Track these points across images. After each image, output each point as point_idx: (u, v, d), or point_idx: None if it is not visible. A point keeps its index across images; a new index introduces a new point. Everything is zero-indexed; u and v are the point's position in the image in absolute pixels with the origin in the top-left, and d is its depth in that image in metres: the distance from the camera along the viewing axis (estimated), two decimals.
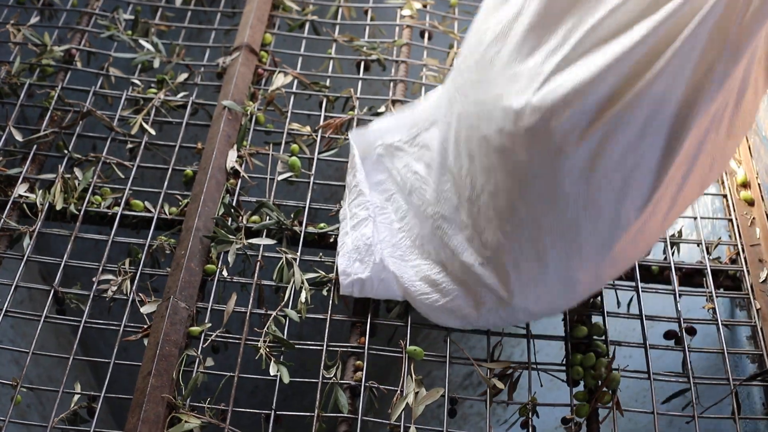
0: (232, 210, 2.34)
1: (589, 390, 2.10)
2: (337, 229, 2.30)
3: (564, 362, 2.15)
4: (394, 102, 2.62)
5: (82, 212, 2.36)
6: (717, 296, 2.29)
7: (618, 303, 2.27)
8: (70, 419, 2.05)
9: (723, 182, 2.52)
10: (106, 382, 2.06)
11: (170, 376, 2.01)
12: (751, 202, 2.45)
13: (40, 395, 3.03)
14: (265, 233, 2.32)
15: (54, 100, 2.62)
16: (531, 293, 2.01)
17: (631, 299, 2.29)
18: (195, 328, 2.12)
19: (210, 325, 2.13)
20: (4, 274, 2.28)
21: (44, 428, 2.02)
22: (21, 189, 2.40)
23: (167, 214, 2.38)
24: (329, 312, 2.17)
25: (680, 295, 2.28)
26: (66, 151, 2.50)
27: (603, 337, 2.18)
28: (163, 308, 2.11)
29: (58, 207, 2.36)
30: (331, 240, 2.32)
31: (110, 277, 2.25)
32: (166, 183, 2.43)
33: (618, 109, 1.76)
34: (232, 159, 2.43)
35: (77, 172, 2.45)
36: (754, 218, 2.41)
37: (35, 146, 2.51)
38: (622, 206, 1.86)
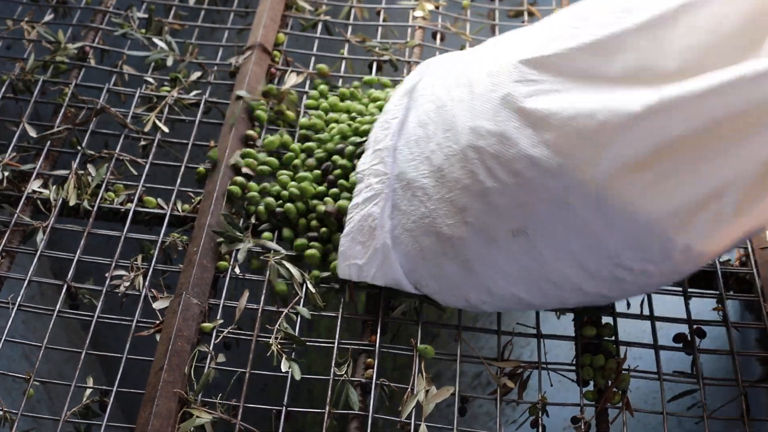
0: (243, 208, 2.34)
1: (598, 390, 2.11)
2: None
3: (574, 362, 2.16)
4: None
5: (95, 208, 2.37)
6: (727, 298, 2.29)
7: (628, 304, 2.27)
8: (82, 413, 2.06)
9: None
10: (119, 377, 2.08)
11: (182, 371, 2.02)
12: None
13: (49, 390, 3.05)
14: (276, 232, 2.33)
15: (68, 97, 2.64)
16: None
17: (642, 300, 2.29)
18: (207, 324, 2.13)
19: (222, 321, 2.14)
20: (16, 270, 2.30)
21: (56, 422, 2.03)
22: (35, 185, 2.41)
23: (180, 211, 2.39)
24: (341, 310, 2.18)
25: (690, 297, 2.28)
26: (79, 148, 2.51)
27: (613, 338, 2.19)
28: (176, 304, 2.13)
29: (72, 203, 2.37)
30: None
31: (122, 273, 2.26)
32: (178, 180, 2.45)
33: None
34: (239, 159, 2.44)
35: (90, 168, 2.46)
36: None
37: (49, 142, 2.53)
38: None
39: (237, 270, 2.24)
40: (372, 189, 2.18)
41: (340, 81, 2.73)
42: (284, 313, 2.14)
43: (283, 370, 2.04)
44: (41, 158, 2.48)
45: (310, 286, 2.19)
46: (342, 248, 2.17)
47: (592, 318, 2.22)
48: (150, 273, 2.25)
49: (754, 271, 2.33)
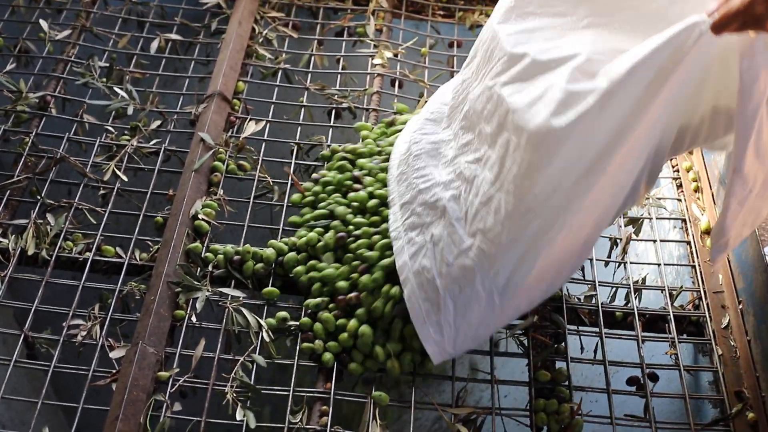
0: (200, 257, 2.36)
1: None
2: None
3: (528, 407, 2.18)
4: None
5: (53, 258, 2.38)
6: (680, 342, 2.32)
7: (582, 348, 2.30)
8: None
9: (687, 230, 2.56)
10: (74, 426, 2.08)
11: (138, 420, 2.03)
12: None
13: None
14: (233, 281, 2.34)
15: (28, 146, 2.65)
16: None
17: (596, 345, 2.31)
18: (163, 373, 2.13)
19: (178, 369, 2.15)
20: None
21: None
22: None
23: (138, 259, 2.40)
24: (296, 357, 2.19)
25: (643, 341, 2.31)
26: (39, 197, 2.52)
27: (566, 383, 2.21)
28: (132, 353, 2.13)
29: (30, 252, 2.38)
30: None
31: (80, 322, 2.27)
32: (137, 229, 2.46)
33: None
34: (198, 207, 2.46)
35: (50, 217, 2.47)
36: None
37: (8, 192, 2.54)
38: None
39: (194, 318, 2.25)
40: (414, 243, 2.17)
41: (298, 129, 2.75)
42: (240, 362, 2.16)
43: (238, 418, 2.05)
44: (0, 207, 2.49)
45: (265, 335, 2.21)
46: (412, 314, 2.13)
47: (546, 363, 2.24)
48: (107, 322, 2.26)
49: (706, 315, 2.36)
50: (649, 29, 1.92)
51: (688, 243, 2.55)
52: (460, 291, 2.06)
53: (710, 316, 2.36)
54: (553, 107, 1.88)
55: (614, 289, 2.43)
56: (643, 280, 2.46)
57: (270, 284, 2.34)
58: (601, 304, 2.38)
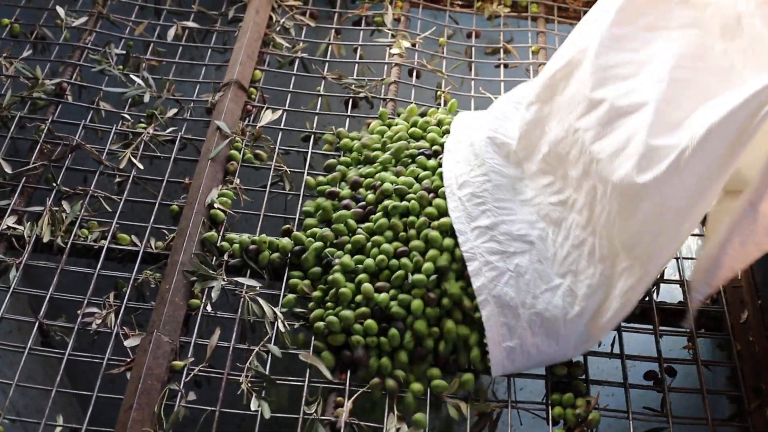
0: (216, 246, 2.35)
1: (568, 428, 2.11)
2: None
3: (544, 401, 2.16)
4: None
5: (68, 245, 2.38)
6: (698, 336, 2.31)
7: (599, 342, 2.28)
8: None
9: (705, 224, 2.53)
10: (88, 415, 2.08)
11: (152, 409, 2.02)
12: None
13: (26, 426, 3.03)
14: (249, 270, 2.33)
15: (44, 133, 2.64)
16: None
17: (614, 339, 2.30)
18: (178, 362, 2.13)
19: (193, 359, 2.14)
20: None
21: None
22: (9, 221, 2.42)
23: (153, 248, 2.40)
24: (311, 348, 2.18)
25: (661, 335, 2.29)
26: (54, 184, 2.52)
27: (583, 377, 2.20)
28: (146, 342, 2.13)
29: (45, 239, 2.38)
30: None
31: (95, 310, 2.26)
32: (152, 217, 2.45)
33: None
34: (214, 196, 2.45)
35: (65, 205, 2.47)
36: None
37: (24, 178, 2.53)
38: None
39: (209, 308, 2.24)
40: (495, 268, 2.17)
41: (315, 118, 2.74)
42: (255, 352, 2.15)
43: (253, 408, 2.04)
44: (16, 194, 2.49)
45: (280, 325, 2.20)
46: (489, 334, 2.13)
47: None
48: (122, 310, 2.25)
49: (725, 310, 2.35)
50: (722, 79, 1.97)
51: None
52: (541, 324, 2.11)
53: (729, 311, 2.35)
54: (636, 161, 1.92)
55: None
56: (662, 273, 2.44)
57: (286, 274, 2.33)
58: None
